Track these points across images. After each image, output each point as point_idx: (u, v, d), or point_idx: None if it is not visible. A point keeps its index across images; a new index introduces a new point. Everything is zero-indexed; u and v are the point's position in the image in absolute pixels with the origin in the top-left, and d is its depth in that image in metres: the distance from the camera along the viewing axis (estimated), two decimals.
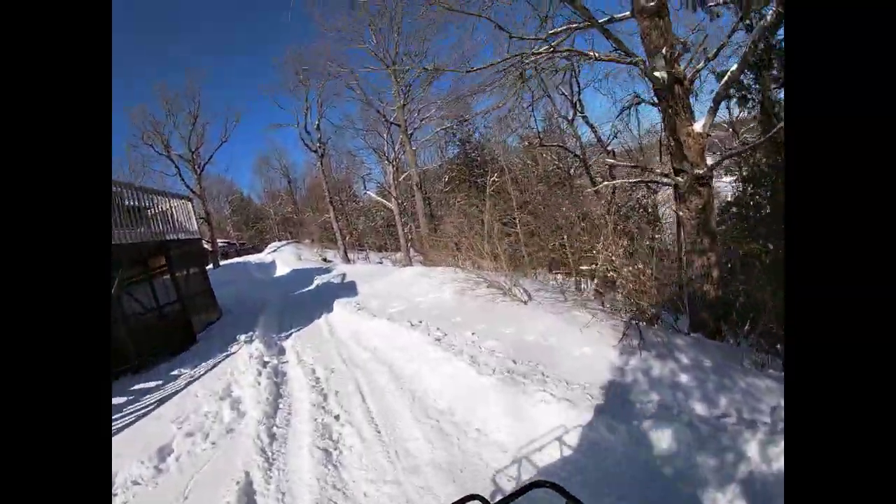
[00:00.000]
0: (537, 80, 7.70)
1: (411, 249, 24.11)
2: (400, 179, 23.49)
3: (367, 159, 29.16)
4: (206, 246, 30.11)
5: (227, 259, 33.16)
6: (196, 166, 29.29)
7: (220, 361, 7.15)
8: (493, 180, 20.07)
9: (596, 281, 14.27)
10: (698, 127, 6.29)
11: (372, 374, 5.76)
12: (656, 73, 6.33)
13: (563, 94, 13.95)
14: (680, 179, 6.25)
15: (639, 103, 10.40)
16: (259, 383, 5.62)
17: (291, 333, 8.54)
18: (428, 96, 20.45)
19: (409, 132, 19.55)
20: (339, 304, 9.94)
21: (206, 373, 6.68)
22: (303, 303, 12.12)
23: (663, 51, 6.36)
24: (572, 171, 17.65)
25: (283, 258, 26.65)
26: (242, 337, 7.91)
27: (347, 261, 25.68)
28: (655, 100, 9.23)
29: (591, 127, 14.14)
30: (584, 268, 6.03)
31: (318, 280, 16.53)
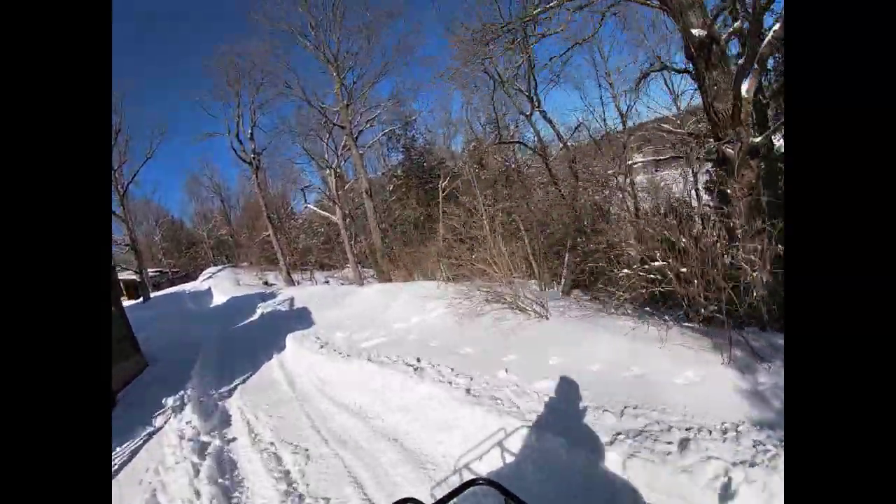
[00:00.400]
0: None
1: (359, 266, 21.66)
2: (344, 189, 21.03)
3: (306, 168, 25.93)
4: (132, 277, 25.91)
5: (158, 290, 29.84)
6: (119, 186, 24.72)
7: (141, 444, 4.79)
8: (444, 185, 18.42)
9: (563, 282, 13.01)
10: (743, 91, 4.93)
11: (376, 458, 3.55)
12: (693, 31, 4.93)
13: (518, 89, 12.52)
14: (730, 150, 4.84)
15: (662, 69, 9.03)
16: (199, 494, 3.38)
17: (235, 386, 6.23)
18: (368, 100, 18.36)
19: (354, 135, 17.20)
20: (293, 340, 7.53)
21: (121, 468, 4.32)
22: (246, 339, 9.65)
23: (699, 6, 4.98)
24: (524, 169, 16.33)
25: (220, 285, 23.10)
26: (170, 401, 5.51)
27: (292, 283, 22.67)
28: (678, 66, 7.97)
29: (550, 122, 12.86)
30: (627, 270, 4.54)
31: (262, 308, 13.73)
